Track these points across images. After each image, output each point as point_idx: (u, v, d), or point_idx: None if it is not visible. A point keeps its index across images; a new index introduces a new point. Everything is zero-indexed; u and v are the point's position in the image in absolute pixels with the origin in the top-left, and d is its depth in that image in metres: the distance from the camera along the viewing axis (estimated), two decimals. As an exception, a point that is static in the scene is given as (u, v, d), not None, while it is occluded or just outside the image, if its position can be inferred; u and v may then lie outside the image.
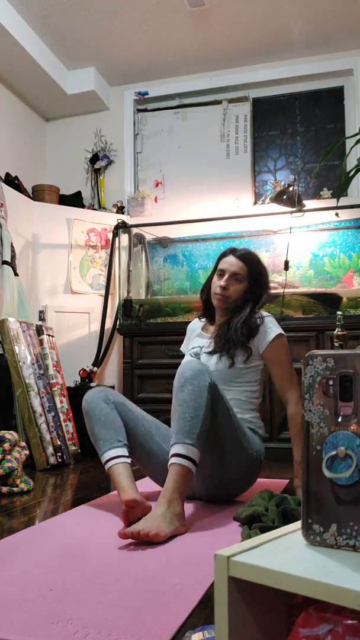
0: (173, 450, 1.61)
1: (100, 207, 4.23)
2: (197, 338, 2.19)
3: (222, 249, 3.87)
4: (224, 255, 2.13)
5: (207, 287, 2.16)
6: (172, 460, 1.60)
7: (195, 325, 2.27)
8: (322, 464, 0.68)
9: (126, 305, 3.79)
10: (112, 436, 1.83)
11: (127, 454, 1.82)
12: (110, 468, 1.79)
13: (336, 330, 2.80)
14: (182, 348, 2.28)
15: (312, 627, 0.61)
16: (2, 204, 3.38)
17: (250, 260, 2.10)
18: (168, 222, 3.91)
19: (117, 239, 3.96)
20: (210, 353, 2.04)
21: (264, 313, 2.10)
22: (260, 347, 2.03)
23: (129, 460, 1.82)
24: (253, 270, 2.09)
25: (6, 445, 2.35)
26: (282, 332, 2.05)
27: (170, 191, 4.19)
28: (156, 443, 1.95)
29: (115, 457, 1.80)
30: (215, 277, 2.11)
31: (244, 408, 2.01)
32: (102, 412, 1.89)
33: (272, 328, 2.03)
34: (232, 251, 2.12)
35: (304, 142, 4.08)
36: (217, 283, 2.07)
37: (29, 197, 3.91)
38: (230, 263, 2.08)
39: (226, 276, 2.06)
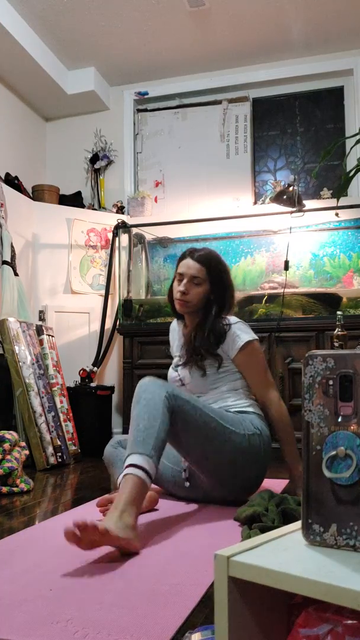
0: (127, 461, 1.52)
1: (100, 207, 4.23)
2: (177, 341, 2.17)
3: (222, 249, 3.92)
4: (182, 257, 2.05)
5: (171, 290, 2.09)
6: (126, 470, 1.50)
7: (175, 325, 2.23)
8: (322, 464, 0.68)
9: (126, 305, 3.79)
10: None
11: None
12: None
13: (336, 330, 2.80)
14: (171, 350, 2.25)
15: (312, 627, 0.61)
16: (2, 204, 3.38)
17: (209, 262, 2.01)
18: (168, 222, 3.91)
19: (117, 239, 3.96)
20: (184, 365, 2.02)
21: (232, 319, 2.02)
22: (230, 353, 1.98)
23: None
24: (212, 272, 2.00)
25: (6, 445, 2.35)
26: (253, 337, 1.98)
27: (170, 191, 4.19)
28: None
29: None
30: (175, 282, 2.04)
31: (237, 396, 1.99)
32: (112, 454, 2.04)
33: (239, 335, 1.96)
34: (190, 253, 2.03)
35: (303, 142, 4.08)
36: (177, 288, 2.00)
37: (29, 197, 3.91)
38: (188, 266, 2.00)
39: (185, 280, 1.99)
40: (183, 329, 2.14)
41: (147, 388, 1.66)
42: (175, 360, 2.11)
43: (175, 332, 2.21)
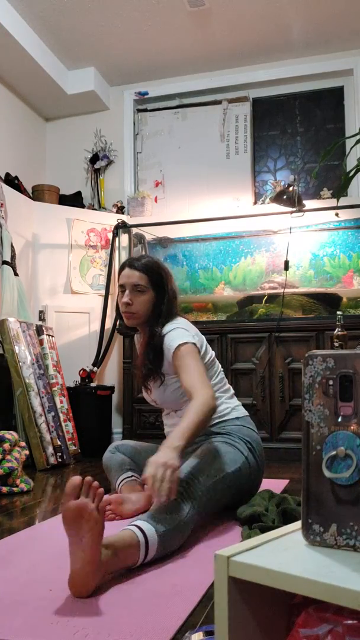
0: (139, 524, 1.37)
1: (100, 207, 4.23)
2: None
3: (222, 249, 3.93)
4: (121, 268, 1.96)
5: (117, 305, 2.00)
6: (133, 528, 1.36)
7: (137, 340, 2.15)
8: (322, 464, 0.68)
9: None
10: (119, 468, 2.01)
11: (130, 475, 1.98)
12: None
13: (336, 330, 2.80)
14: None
15: (312, 627, 0.61)
16: (2, 204, 3.38)
17: (150, 268, 1.91)
18: (168, 222, 3.91)
19: (117, 239, 3.96)
20: (141, 384, 1.98)
21: (169, 327, 1.87)
22: (169, 358, 1.84)
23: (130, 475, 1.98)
24: (154, 278, 1.91)
25: (6, 445, 2.35)
26: (184, 341, 1.79)
27: (170, 191, 4.19)
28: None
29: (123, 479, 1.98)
30: (118, 295, 1.95)
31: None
32: (110, 460, 2.05)
33: (170, 343, 1.82)
34: (130, 263, 1.94)
35: (304, 142, 4.08)
36: (120, 301, 1.92)
37: (29, 197, 3.91)
38: (129, 275, 1.90)
39: (127, 291, 1.90)
40: (139, 343, 2.04)
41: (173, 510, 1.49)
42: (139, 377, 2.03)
43: (137, 342, 2.14)
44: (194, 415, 1.57)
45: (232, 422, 1.90)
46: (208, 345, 1.99)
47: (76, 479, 1.18)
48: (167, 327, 1.87)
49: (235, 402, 1.98)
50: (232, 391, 2.02)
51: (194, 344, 1.82)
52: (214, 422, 1.88)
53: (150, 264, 1.93)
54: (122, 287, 1.92)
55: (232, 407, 1.94)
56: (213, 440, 1.81)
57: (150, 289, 1.90)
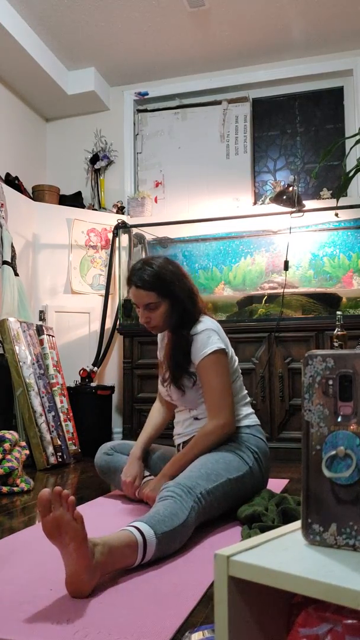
0: (137, 524, 1.37)
1: (101, 207, 4.23)
2: (161, 351, 2.09)
3: (222, 249, 3.93)
4: (128, 283, 1.91)
5: None
6: (131, 528, 1.35)
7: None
8: (321, 463, 0.68)
9: (126, 305, 3.79)
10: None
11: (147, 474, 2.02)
12: None
13: (336, 330, 2.80)
14: (158, 355, 2.13)
15: (312, 626, 0.61)
16: (2, 204, 3.38)
17: (153, 283, 1.84)
18: (168, 222, 3.91)
19: (117, 239, 3.97)
20: (166, 381, 1.96)
21: (200, 326, 1.86)
22: (195, 364, 1.85)
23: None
24: (162, 290, 1.85)
25: (6, 445, 2.35)
26: (214, 348, 1.80)
27: (170, 191, 4.19)
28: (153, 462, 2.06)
29: None
30: (135, 307, 1.95)
31: None
32: (112, 462, 2.07)
33: (199, 348, 1.82)
34: (132, 282, 1.87)
35: (303, 143, 4.08)
36: (140, 316, 1.92)
37: (29, 197, 3.91)
38: (136, 296, 1.87)
39: (141, 311, 1.89)
40: (166, 340, 2.02)
41: (180, 492, 1.52)
42: (163, 374, 2.03)
43: (161, 338, 2.11)
44: (198, 449, 1.75)
45: (242, 430, 1.89)
46: (231, 348, 1.97)
47: (44, 492, 1.15)
48: (198, 327, 1.86)
49: (249, 409, 1.98)
50: (249, 398, 2.02)
51: (224, 349, 1.83)
52: None
53: (153, 276, 1.84)
54: (136, 305, 1.92)
55: (244, 414, 1.94)
56: (221, 448, 1.81)
57: (162, 301, 1.86)
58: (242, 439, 1.86)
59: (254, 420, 1.96)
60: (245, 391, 2.02)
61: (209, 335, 1.83)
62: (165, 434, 2.17)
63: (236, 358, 2.00)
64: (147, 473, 2.01)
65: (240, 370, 2.02)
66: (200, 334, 1.84)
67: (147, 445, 2.06)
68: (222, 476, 1.69)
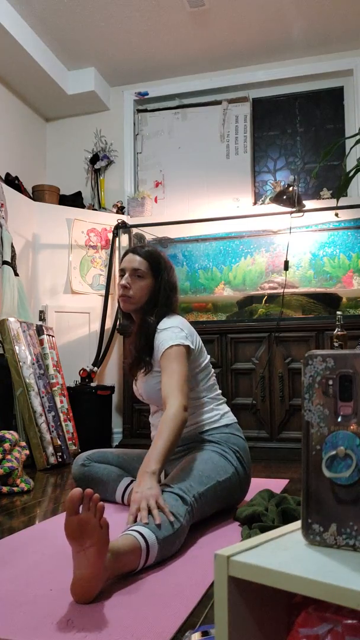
0: (137, 527, 1.37)
1: (101, 208, 4.23)
2: None
3: (222, 249, 3.93)
4: (124, 254, 1.98)
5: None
6: (134, 533, 1.34)
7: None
8: (321, 463, 0.68)
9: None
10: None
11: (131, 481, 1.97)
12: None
13: (336, 330, 2.80)
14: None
15: (312, 626, 0.61)
16: (2, 204, 3.38)
17: (152, 256, 1.93)
18: (168, 222, 3.91)
19: (117, 239, 3.97)
20: (132, 373, 1.95)
21: (166, 322, 1.86)
22: (157, 360, 1.85)
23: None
24: (155, 266, 1.92)
25: (6, 445, 2.35)
26: (177, 343, 1.79)
27: (170, 191, 4.19)
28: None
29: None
30: (118, 280, 1.98)
31: (200, 409, 1.90)
32: (91, 472, 2.00)
33: (162, 342, 1.81)
34: (134, 249, 1.97)
35: (303, 143, 4.08)
36: (119, 284, 1.94)
37: (29, 197, 3.91)
38: (130, 260, 1.92)
39: (126, 274, 1.91)
40: (133, 332, 2.01)
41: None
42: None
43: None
44: (165, 434, 1.60)
45: (221, 429, 1.89)
46: (204, 348, 1.97)
47: (76, 492, 1.16)
48: (164, 323, 1.87)
49: (224, 408, 1.97)
50: (223, 398, 2.00)
51: (187, 346, 1.81)
52: (204, 428, 1.88)
53: (153, 252, 1.95)
54: (122, 272, 1.94)
55: (221, 413, 1.93)
56: (204, 448, 1.81)
57: (150, 275, 1.91)
58: (222, 439, 1.86)
59: (231, 418, 1.96)
60: (219, 390, 2.01)
61: (176, 332, 1.84)
62: (141, 433, 2.13)
63: (208, 356, 1.97)
64: (130, 479, 1.97)
65: (212, 370, 2.01)
66: (167, 330, 1.84)
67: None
68: (212, 479, 1.70)
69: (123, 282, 1.90)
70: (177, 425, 1.62)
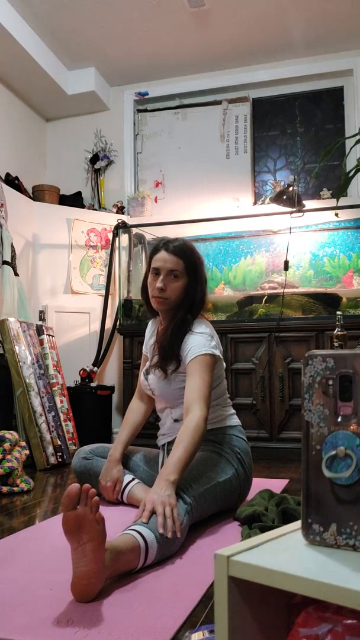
0: (136, 526, 1.38)
1: (101, 207, 4.23)
2: (150, 339, 2.07)
3: (222, 249, 3.93)
4: (156, 250, 1.89)
5: (144, 286, 1.94)
6: (133, 532, 1.35)
7: (150, 324, 2.10)
8: (321, 463, 0.68)
9: (126, 305, 3.79)
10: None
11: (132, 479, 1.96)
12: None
13: (336, 330, 2.80)
14: (144, 348, 2.11)
15: (312, 626, 0.61)
16: (2, 204, 3.38)
17: (185, 253, 1.86)
18: (168, 222, 3.90)
19: (117, 239, 3.97)
20: (153, 368, 1.93)
21: (202, 328, 1.86)
22: (185, 361, 1.83)
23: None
24: (190, 264, 1.86)
25: (6, 445, 2.35)
26: (207, 352, 1.78)
27: (170, 191, 4.19)
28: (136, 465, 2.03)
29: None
30: (150, 277, 1.88)
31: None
32: (92, 466, 2.00)
33: (199, 344, 1.80)
34: (165, 245, 1.87)
35: (303, 143, 4.08)
36: (154, 284, 1.85)
37: (29, 197, 3.91)
38: (164, 260, 1.84)
39: (162, 275, 1.84)
40: (159, 326, 2.00)
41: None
42: (147, 365, 2.02)
43: (149, 332, 2.10)
44: (188, 444, 1.59)
45: (224, 430, 1.91)
46: (221, 356, 1.96)
47: (74, 487, 1.16)
48: (199, 327, 1.86)
49: (230, 410, 1.99)
50: (230, 402, 2.03)
51: (215, 356, 1.81)
52: (208, 427, 1.86)
53: (186, 249, 1.87)
54: (156, 270, 1.86)
55: (226, 414, 1.95)
56: (205, 449, 1.82)
57: (185, 275, 1.86)
58: (225, 439, 1.88)
59: (236, 420, 1.97)
60: (227, 395, 2.03)
61: (208, 340, 1.84)
62: (144, 433, 2.15)
63: (224, 364, 1.99)
64: (131, 477, 1.95)
65: (224, 375, 2.02)
66: (201, 335, 1.83)
67: (127, 446, 2.02)
68: (212, 479, 1.71)
69: (159, 284, 1.83)
70: (199, 436, 1.63)
